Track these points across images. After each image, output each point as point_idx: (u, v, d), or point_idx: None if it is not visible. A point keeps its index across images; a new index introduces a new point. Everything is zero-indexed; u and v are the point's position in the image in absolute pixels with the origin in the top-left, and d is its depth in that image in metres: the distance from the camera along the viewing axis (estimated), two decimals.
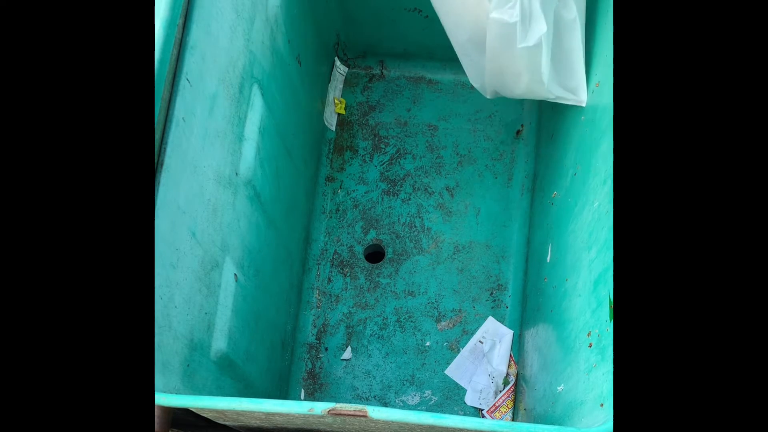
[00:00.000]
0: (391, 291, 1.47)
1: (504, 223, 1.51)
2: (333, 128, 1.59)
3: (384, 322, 1.45)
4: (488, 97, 1.24)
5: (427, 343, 1.43)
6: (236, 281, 1.05)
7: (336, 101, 1.58)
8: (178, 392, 0.86)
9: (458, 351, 1.42)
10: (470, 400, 1.38)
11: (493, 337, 1.41)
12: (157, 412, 0.71)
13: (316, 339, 1.45)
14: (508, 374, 1.38)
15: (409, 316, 1.45)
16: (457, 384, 1.40)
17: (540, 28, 0.98)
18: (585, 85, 1.06)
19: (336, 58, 1.61)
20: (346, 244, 1.51)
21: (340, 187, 1.55)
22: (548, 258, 1.22)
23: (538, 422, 1.14)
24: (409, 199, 1.53)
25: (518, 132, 1.57)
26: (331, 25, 1.52)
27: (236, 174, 1.05)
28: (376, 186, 1.55)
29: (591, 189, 0.98)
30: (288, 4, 1.22)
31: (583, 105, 1.07)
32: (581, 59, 1.04)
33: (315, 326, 1.46)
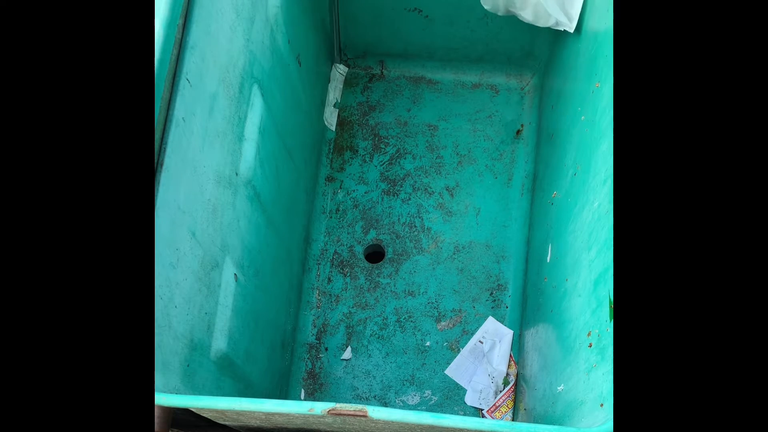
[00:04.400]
0: (391, 291, 1.47)
1: (504, 223, 1.51)
2: (333, 128, 1.59)
3: (384, 322, 1.45)
4: (500, 14, 1.32)
5: (427, 343, 1.43)
6: (236, 281, 1.05)
7: None
8: (178, 392, 0.86)
9: (458, 351, 1.42)
10: (470, 400, 1.38)
11: (493, 337, 1.41)
12: (157, 412, 0.71)
13: (316, 339, 1.45)
14: (508, 374, 1.38)
15: (409, 316, 1.45)
16: (457, 384, 1.40)
17: None
18: (578, 16, 1.18)
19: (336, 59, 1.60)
20: (346, 244, 1.51)
21: (340, 187, 1.55)
22: (548, 258, 1.22)
23: (538, 422, 1.13)
24: (409, 199, 1.53)
25: (518, 132, 1.57)
26: (332, 25, 1.52)
27: (236, 174, 1.05)
28: (376, 186, 1.55)
29: (591, 189, 0.98)
30: (288, 4, 1.22)
31: (571, 31, 1.20)
32: None
33: (315, 326, 1.46)
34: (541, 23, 1.26)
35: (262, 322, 1.20)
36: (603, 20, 1.04)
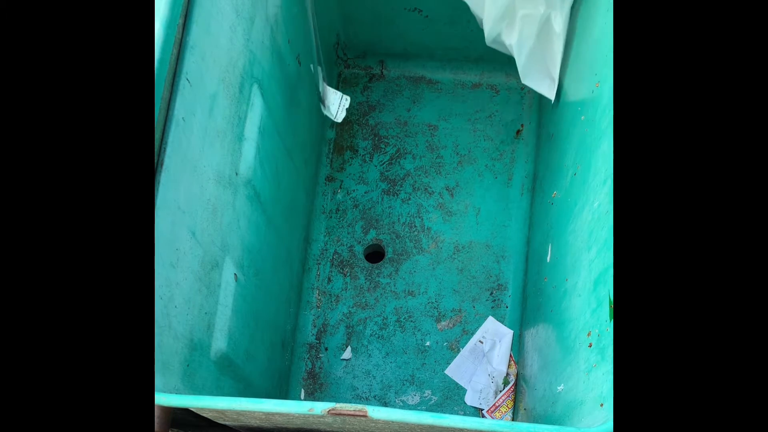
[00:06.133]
0: (391, 291, 1.47)
1: (504, 223, 1.51)
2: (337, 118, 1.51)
3: (384, 322, 1.45)
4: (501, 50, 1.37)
5: (427, 343, 1.43)
6: (236, 281, 1.05)
7: None
8: (178, 392, 0.86)
9: (458, 351, 1.42)
10: (470, 399, 1.38)
11: (493, 337, 1.41)
12: (157, 412, 0.71)
13: (316, 339, 1.45)
14: (508, 374, 1.38)
15: (409, 316, 1.45)
16: (457, 384, 1.40)
17: (512, 37, 1.21)
18: (556, 83, 1.26)
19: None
20: (346, 244, 1.51)
21: (340, 187, 1.55)
22: (548, 258, 1.22)
23: (538, 422, 1.14)
24: (409, 199, 1.53)
25: (518, 132, 1.57)
26: (331, 25, 1.52)
27: (236, 174, 1.05)
28: (376, 186, 1.55)
29: (591, 189, 0.98)
30: (288, 4, 1.22)
31: (552, 99, 1.28)
32: (557, 63, 1.24)
33: (315, 326, 1.46)
34: (527, 81, 1.30)
35: (262, 322, 1.20)
36: (603, 20, 1.04)
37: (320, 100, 1.48)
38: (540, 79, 1.28)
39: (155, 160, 0.82)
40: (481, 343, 1.42)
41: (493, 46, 1.29)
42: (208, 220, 0.96)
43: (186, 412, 0.77)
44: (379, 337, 1.44)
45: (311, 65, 1.39)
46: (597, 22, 1.07)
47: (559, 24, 1.18)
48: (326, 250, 1.51)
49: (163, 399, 0.70)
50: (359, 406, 0.68)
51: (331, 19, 1.50)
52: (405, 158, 1.57)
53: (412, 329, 1.44)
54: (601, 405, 0.79)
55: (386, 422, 0.71)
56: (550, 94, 1.28)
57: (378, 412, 0.68)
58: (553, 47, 1.22)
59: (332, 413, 0.68)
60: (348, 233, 1.52)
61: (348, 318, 1.46)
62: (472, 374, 1.40)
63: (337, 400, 1.34)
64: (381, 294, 1.47)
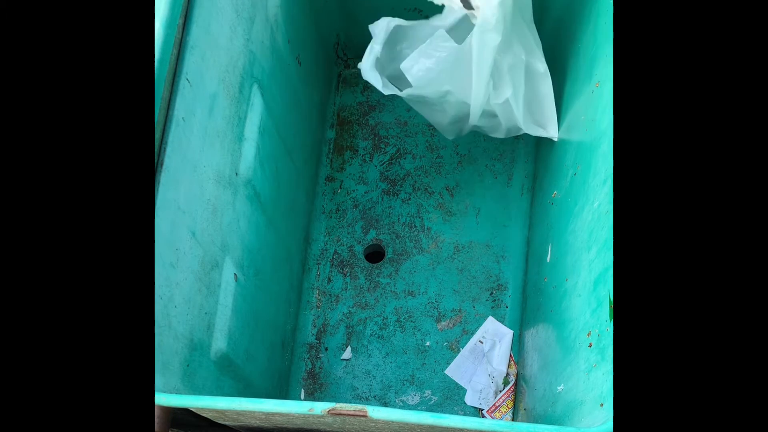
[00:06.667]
0: (391, 291, 1.47)
1: (504, 223, 1.51)
2: None
3: (384, 322, 1.45)
4: (464, 134, 1.37)
5: (427, 343, 1.43)
6: (236, 281, 1.05)
7: None
8: (178, 392, 0.86)
9: (458, 351, 1.42)
10: (470, 400, 1.38)
11: (493, 337, 1.41)
12: (157, 412, 0.71)
13: (316, 339, 1.45)
14: (508, 374, 1.38)
15: (409, 316, 1.45)
16: (457, 384, 1.40)
17: (505, 92, 1.19)
18: (556, 122, 1.26)
19: None
20: (346, 244, 1.51)
21: (340, 187, 1.55)
22: (548, 258, 1.22)
23: (538, 422, 1.14)
24: (409, 199, 1.53)
25: None
26: (331, 25, 1.52)
27: (236, 174, 1.05)
28: (376, 186, 1.55)
29: (591, 189, 0.98)
30: (288, 4, 1.22)
31: (555, 139, 1.26)
32: (552, 102, 1.25)
33: (315, 326, 1.46)
34: (512, 135, 1.31)
35: (262, 322, 1.20)
36: (603, 21, 1.04)
37: None
38: (539, 123, 1.29)
39: (155, 160, 0.82)
40: (481, 343, 1.42)
41: (479, 123, 1.28)
42: (208, 220, 0.96)
43: (186, 412, 0.78)
44: (379, 337, 1.44)
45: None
46: (597, 22, 1.07)
47: (541, 65, 1.21)
48: (326, 250, 1.51)
49: (163, 399, 0.70)
50: (359, 406, 0.68)
51: (331, 19, 1.50)
52: (405, 158, 1.57)
53: (412, 329, 1.44)
54: (601, 405, 0.79)
55: (386, 422, 0.71)
56: (553, 134, 1.27)
57: (378, 412, 0.68)
58: (543, 89, 1.24)
59: (332, 413, 0.68)
60: (348, 233, 1.52)
61: (348, 318, 1.46)
62: (472, 374, 1.40)
63: (337, 400, 1.34)
64: (381, 294, 1.47)
